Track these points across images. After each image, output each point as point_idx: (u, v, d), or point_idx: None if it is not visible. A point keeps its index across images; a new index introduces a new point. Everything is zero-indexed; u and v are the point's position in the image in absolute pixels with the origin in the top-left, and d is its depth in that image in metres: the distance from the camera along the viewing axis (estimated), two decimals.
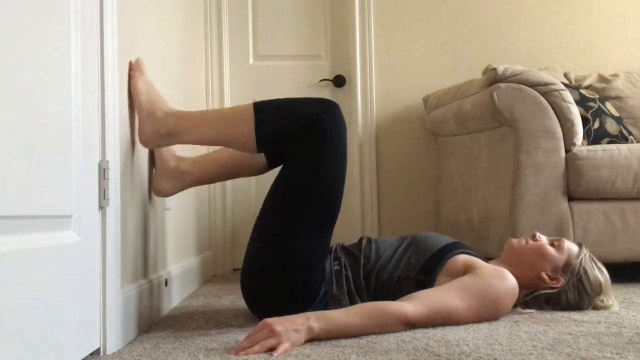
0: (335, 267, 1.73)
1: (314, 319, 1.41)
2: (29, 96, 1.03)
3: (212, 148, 2.15)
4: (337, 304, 1.68)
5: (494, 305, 1.61)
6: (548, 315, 1.71)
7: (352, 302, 1.68)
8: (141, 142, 1.70)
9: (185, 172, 1.84)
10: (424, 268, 1.71)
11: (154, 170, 1.85)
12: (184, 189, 1.88)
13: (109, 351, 1.35)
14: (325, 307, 1.69)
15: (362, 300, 1.70)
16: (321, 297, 1.70)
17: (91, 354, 1.31)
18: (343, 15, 3.37)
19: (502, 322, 1.60)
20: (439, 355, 1.26)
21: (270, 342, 1.33)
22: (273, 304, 1.66)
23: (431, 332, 1.48)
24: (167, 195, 1.88)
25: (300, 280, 1.67)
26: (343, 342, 1.39)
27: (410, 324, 1.51)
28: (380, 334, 1.46)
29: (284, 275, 1.65)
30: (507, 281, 1.62)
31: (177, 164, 1.83)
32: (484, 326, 1.55)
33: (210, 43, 3.24)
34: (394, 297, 1.65)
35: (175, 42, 2.35)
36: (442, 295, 1.57)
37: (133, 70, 1.66)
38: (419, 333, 1.47)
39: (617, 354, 1.25)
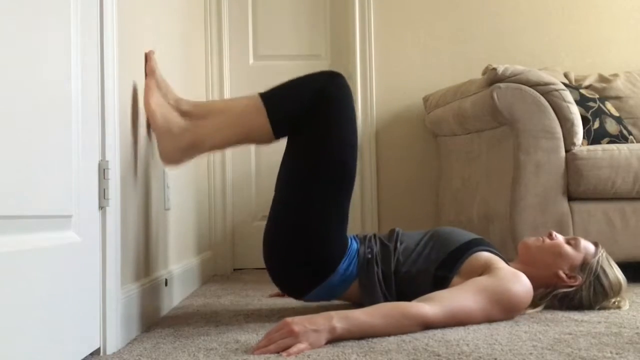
0: (368, 256, 1.76)
1: (336, 319, 1.39)
2: (28, 95, 1.03)
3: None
4: (369, 294, 1.71)
5: (508, 308, 1.61)
6: (548, 315, 1.70)
7: (382, 294, 1.72)
8: (163, 160, 1.74)
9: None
10: (444, 263, 1.72)
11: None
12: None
13: (109, 351, 1.35)
14: (346, 289, 1.73)
15: (390, 293, 1.73)
16: (342, 276, 1.72)
17: (91, 354, 1.31)
18: (343, 15, 3.37)
19: (502, 322, 1.60)
20: (439, 355, 1.26)
21: (287, 342, 1.31)
22: (293, 274, 1.71)
23: (431, 331, 1.48)
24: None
25: (318, 248, 1.69)
26: (343, 342, 1.38)
27: (427, 326, 1.50)
28: (397, 334, 1.45)
29: (301, 242, 1.68)
30: (522, 285, 1.62)
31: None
32: (483, 326, 1.55)
33: (210, 43, 3.23)
34: (411, 291, 1.65)
35: (175, 41, 2.35)
36: (459, 297, 1.56)
37: (148, 62, 1.71)
38: (419, 333, 1.47)
39: (617, 354, 1.25)
